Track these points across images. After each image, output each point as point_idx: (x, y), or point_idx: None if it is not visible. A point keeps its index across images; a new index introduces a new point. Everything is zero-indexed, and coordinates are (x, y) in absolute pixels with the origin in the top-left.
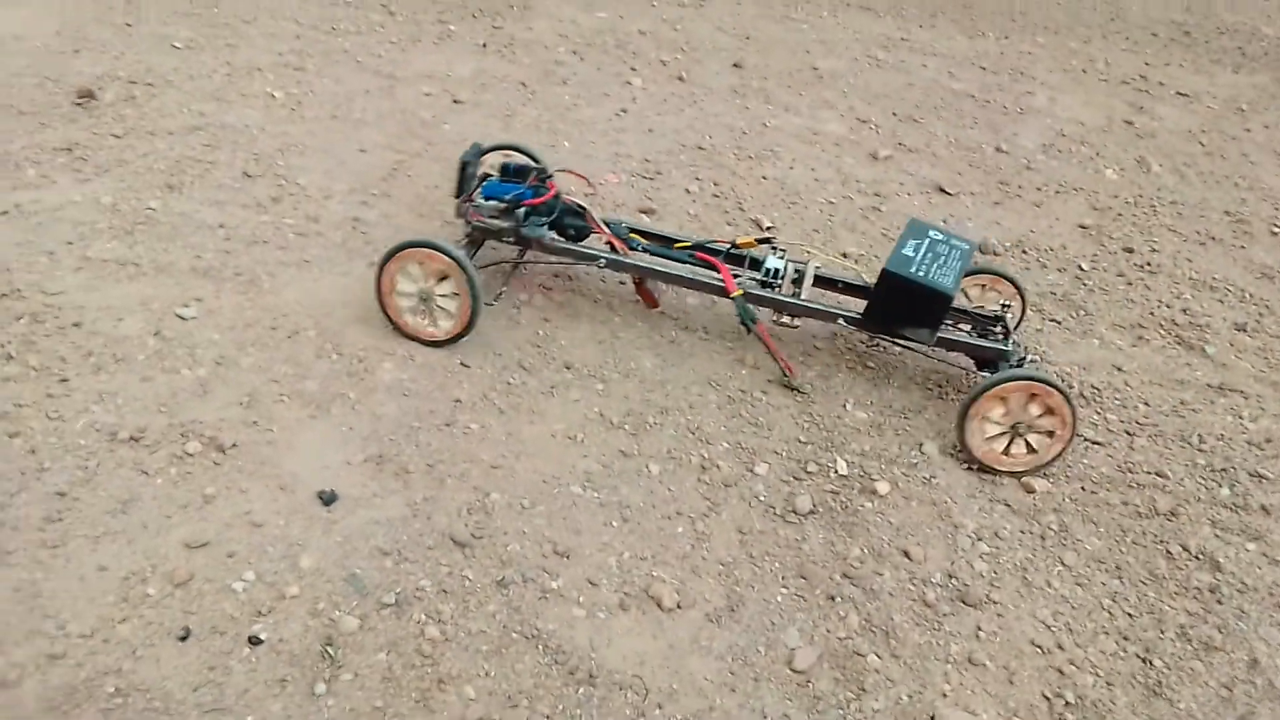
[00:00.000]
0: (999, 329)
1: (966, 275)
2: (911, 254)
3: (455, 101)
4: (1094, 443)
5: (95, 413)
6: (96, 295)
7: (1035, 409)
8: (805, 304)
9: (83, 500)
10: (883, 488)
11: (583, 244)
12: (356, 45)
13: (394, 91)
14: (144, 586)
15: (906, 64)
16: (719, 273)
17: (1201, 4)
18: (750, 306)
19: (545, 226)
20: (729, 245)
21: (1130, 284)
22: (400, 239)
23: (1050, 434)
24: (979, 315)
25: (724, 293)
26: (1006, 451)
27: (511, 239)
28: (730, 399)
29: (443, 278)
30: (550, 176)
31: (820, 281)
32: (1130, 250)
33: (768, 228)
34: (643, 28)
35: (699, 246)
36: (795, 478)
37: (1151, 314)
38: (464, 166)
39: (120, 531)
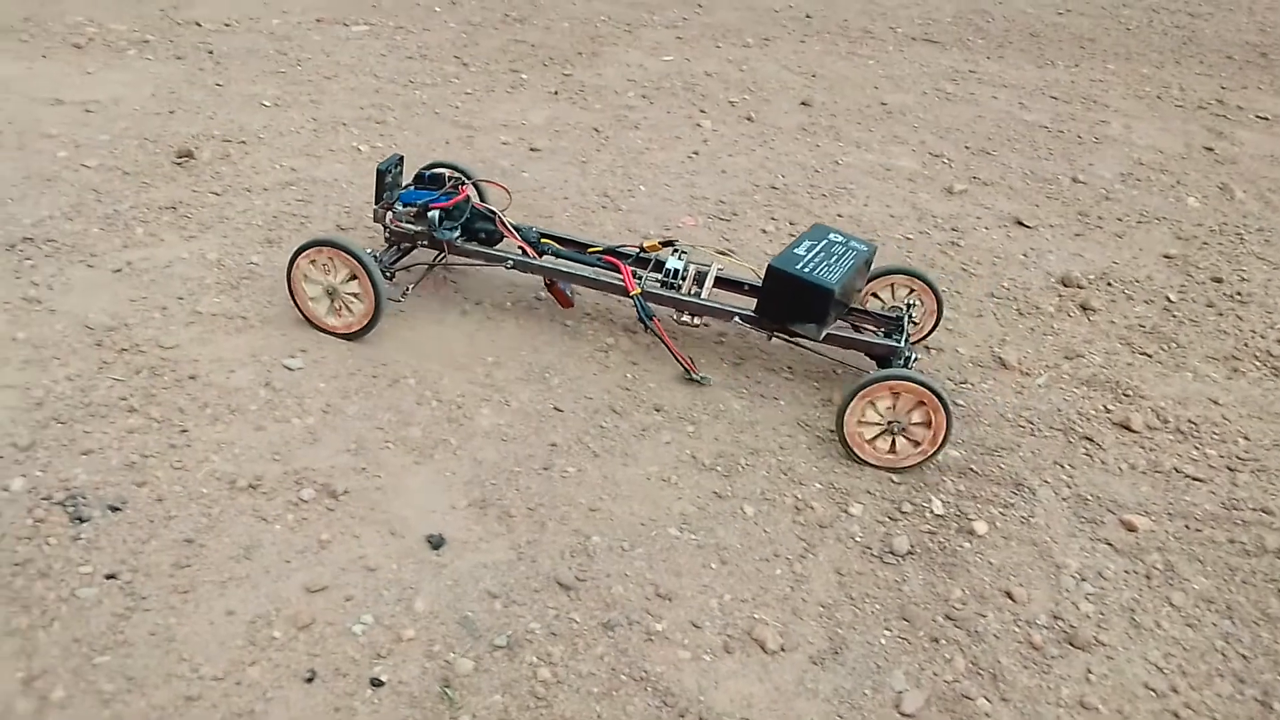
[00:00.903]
0: (902, 328)
1: (880, 276)
2: (802, 253)
3: (532, 149)
4: (1194, 479)
5: (215, 462)
6: (209, 348)
7: (916, 415)
8: (702, 302)
9: (208, 547)
10: (980, 528)
11: (495, 249)
12: (434, 97)
13: (473, 141)
14: (269, 630)
15: (976, 96)
16: (620, 274)
17: (1277, 25)
18: (649, 305)
19: (456, 231)
20: (638, 249)
21: (1221, 314)
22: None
23: (916, 443)
24: (880, 315)
25: (624, 292)
26: (872, 442)
27: (425, 242)
28: (820, 439)
29: (351, 277)
30: (462, 184)
31: (722, 283)
32: (1219, 280)
33: (666, 230)
34: (709, 69)
35: (609, 251)
36: (890, 518)
37: (1245, 345)
38: (381, 175)
39: (245, 577)
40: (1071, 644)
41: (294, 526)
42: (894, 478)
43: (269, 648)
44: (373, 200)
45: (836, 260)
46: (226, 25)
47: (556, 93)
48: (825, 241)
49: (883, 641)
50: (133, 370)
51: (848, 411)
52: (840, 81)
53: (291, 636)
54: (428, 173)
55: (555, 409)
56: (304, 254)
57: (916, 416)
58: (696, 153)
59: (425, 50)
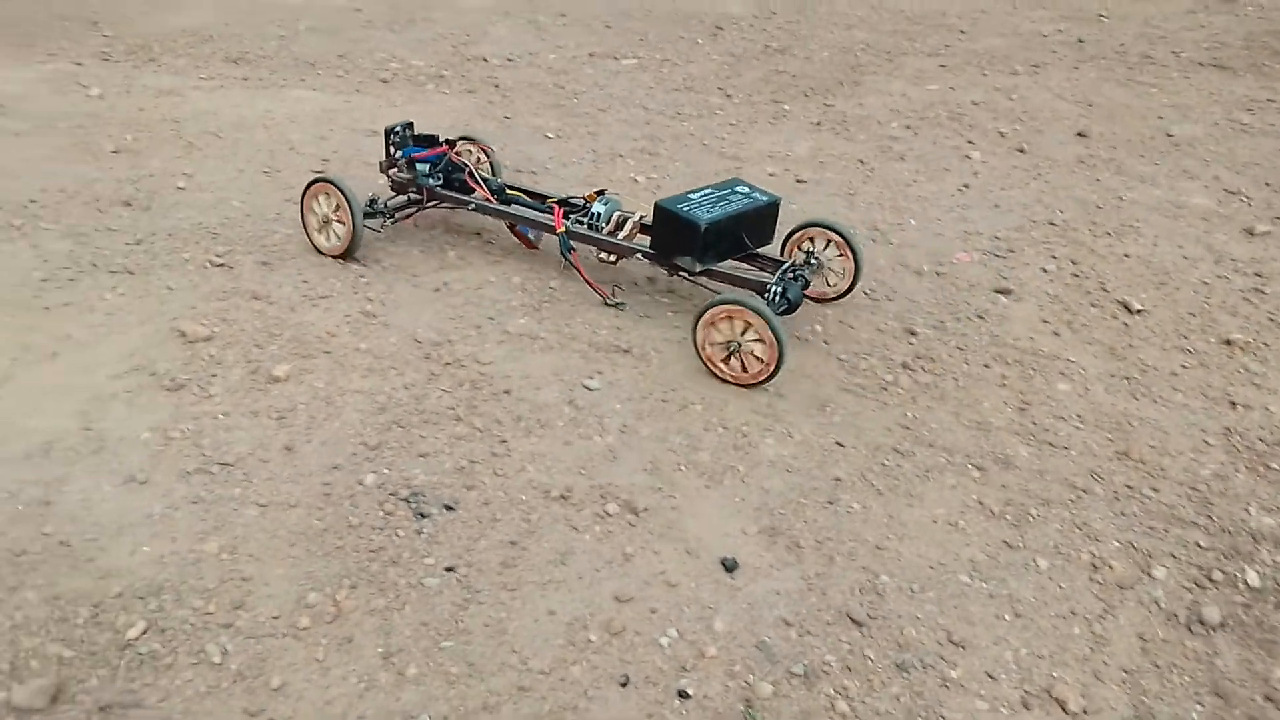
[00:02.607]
0: (800, 273)
1: (802, 228)
2: (695, 197)
3: (798, 181)
4: None
5: (530, 472)
6: (518, 365)
7: (750, 335)
8: (613, 241)
9: (530, 550)
10: None
11: (467, 196)
12: (700, 129)
13: (740, 172)
14: (586, 633)
15: (1277, 128)
16: (554, 216)
17: None
18: (570, 241)
19: (439, 180)
20: (583, 200)
21: None
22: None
23: (760, 359)
24: (772, 259)
25: (553, 230)
26: (726, 361)
27: (414, 189)
28: (1116, 495)
29: (338, 208)
30: (446, 142)
31: (646, 229)
32: None
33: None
34: (976, 99)
35: (561, 201)
36: (1198, 585)
37: None
38: (388, 135)
39: (561, 581)
40: None
41: (601, 538)
42: (1200, 541)
43: (586, 649)
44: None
45: (723, 204)
46: (510, 60)
47: (819, 123)
48: (727, 190)
49: (1194, 717)
50: (457, 382)
51: (698, 335)
52: (1120, 111)
53: (605, 641)
54: (423, 135)
55: (837, 444)
56: (312, 188)
57: (750, 336)
58: (967, 185)
59: (690, 82)
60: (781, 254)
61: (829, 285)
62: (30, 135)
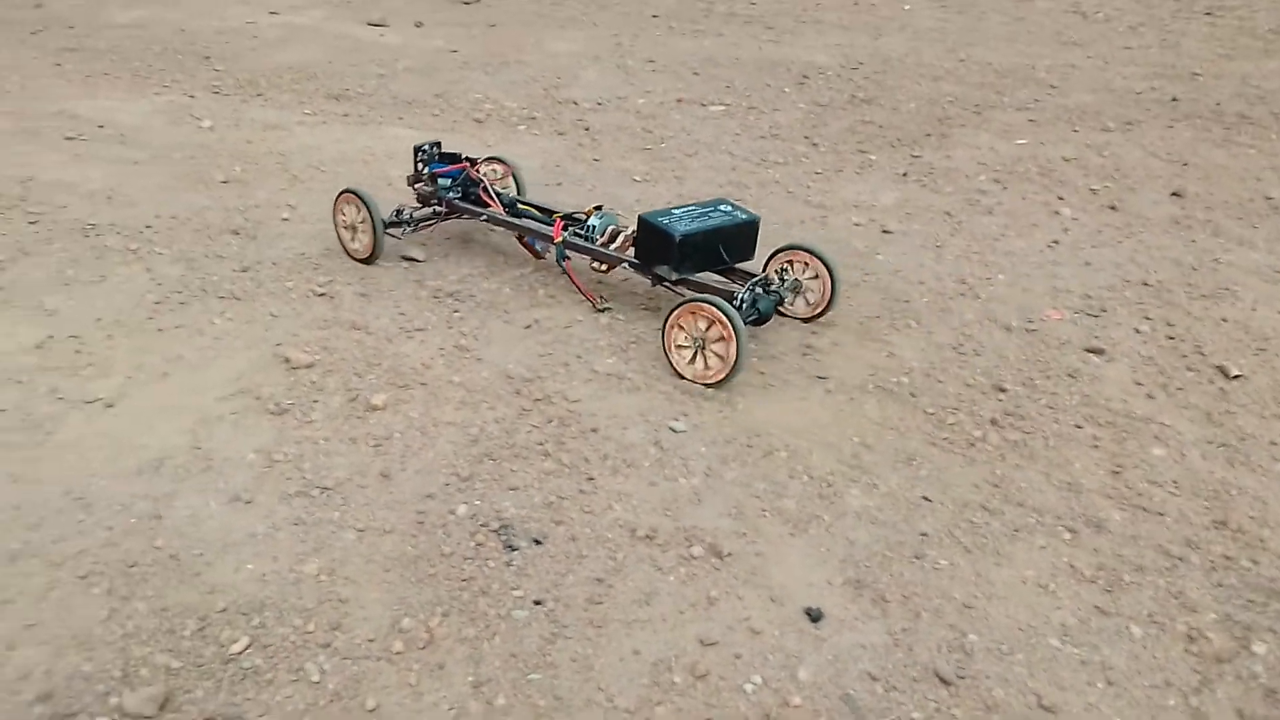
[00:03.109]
0: (773, 288)
1: (782, 251)
2: (677, 212)
3: (884, 231)
4: None
5: (617, 510)
6: (605, 404)
7: (713, 333)
8: (604, 251)
9: (615, 588)
10: None
11: (482, 209)
12: (785, 176)
13: (826, 220)
14: (670, 674)
15: None
16: (554, 228)
17: None
18: (565, 250)
19: (457, 194)
20: (584, 215)
21: None
22: (343, 186)
23: (720, 357)
24: (747, 274)
25: (551, 239)
26: (691, 362)
27: (436, 200)
28: (1213, 565)
29: (364, 218)
30: (466, 160)
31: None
32: None
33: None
34: (1066, 154)
35: (564, 216)
36: None
37: None
38: (416, 152)
39: (646, 621)
40: None
41: (685, 580)
42: None
43: (671, 691)
44: None
45: (701, 219)
46: (599, 104)
47: (905, 174)
48: (710, 207)
49: None
50: (546, 419)
51: (665, 338)
52: (1216, 171)
53: (690, 684)
54: (446, 153)
55: (924, 498)
56: (340, 197)
57: (713, 334)
58: (1056, 242)
59: (776, 130)
60: (764, 271)
61: (808, 304)
62: (147, 164)
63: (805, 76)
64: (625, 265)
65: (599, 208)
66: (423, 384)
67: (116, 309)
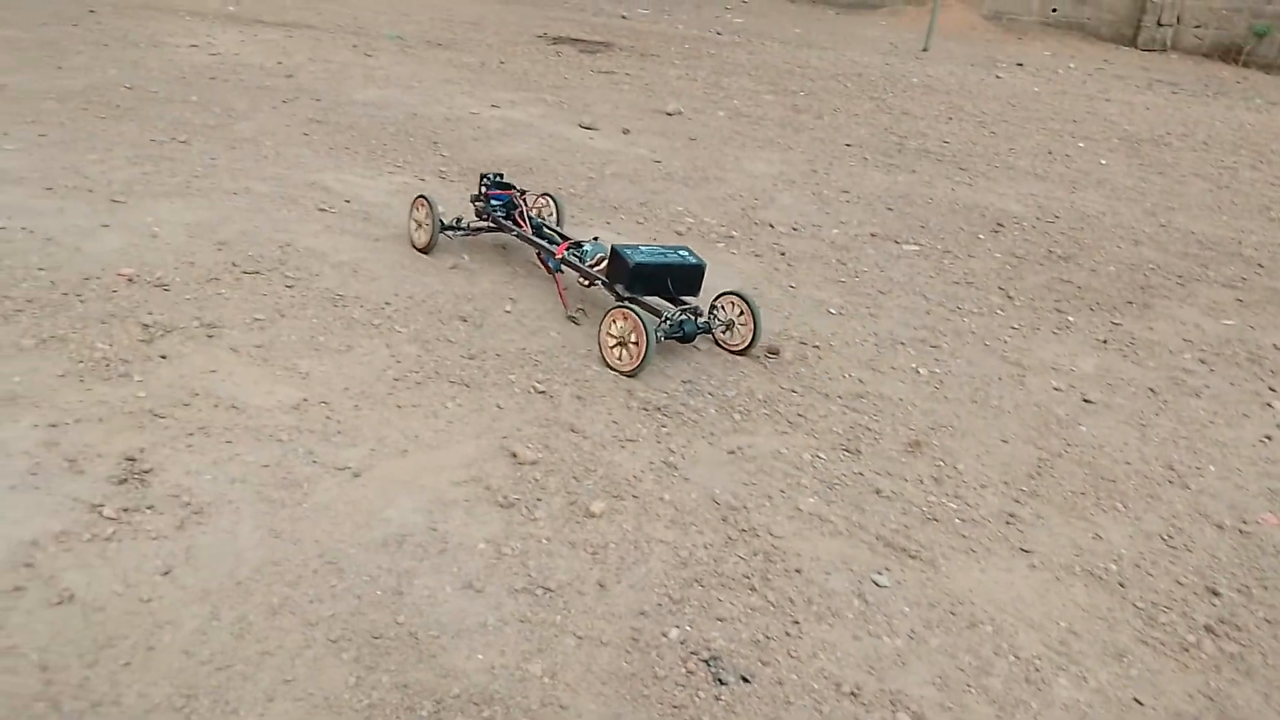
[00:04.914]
0: (702, 320)
1: (722, 295)
2: (644, 249)
3: (1085, 400)
4: None
5: (821, 660)
6: (808, 545)
7: (633, 335)
8: (587, 270)
9: None
10: None
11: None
12: (980, 327)
13: (1024, 381)
14: None
15: None
16: (559, 247)
17: None
18: (561, 264)
19: (502, 214)
20: (592, 239)
21: None
22: (418, 192)
23: (636, 344)
24: (686, 307)
25: (553, 255)
26: (613, 350)
27: (485, 215)
28: None
29: (428, 216)
30: (512, 188)
31: None
32: None
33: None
34: (1277, 342)
35: (570, 242)
36: None
37: None
38: (482, 178)
39: None
40: None
41: None
42: None
43: None
44: None
45: (659, 256)
46: (794, 229)
47: (1105, 341)
48: (670, 250)
49: None
50: (751, 551)
51: (600, 329)
52: None
53: None
54: (501, 181)
55: (1135, 699)
56: (415, 200)
57: (633, 336)
58: (1269, 437)
59: (970, 277)
60: (708, 309)
61: (739, 339)
62: (386, 242)
63: (1000, 224)
64: (600, 281)
65: (596, 239)
66: (635, 496)
67: (361, 380)
